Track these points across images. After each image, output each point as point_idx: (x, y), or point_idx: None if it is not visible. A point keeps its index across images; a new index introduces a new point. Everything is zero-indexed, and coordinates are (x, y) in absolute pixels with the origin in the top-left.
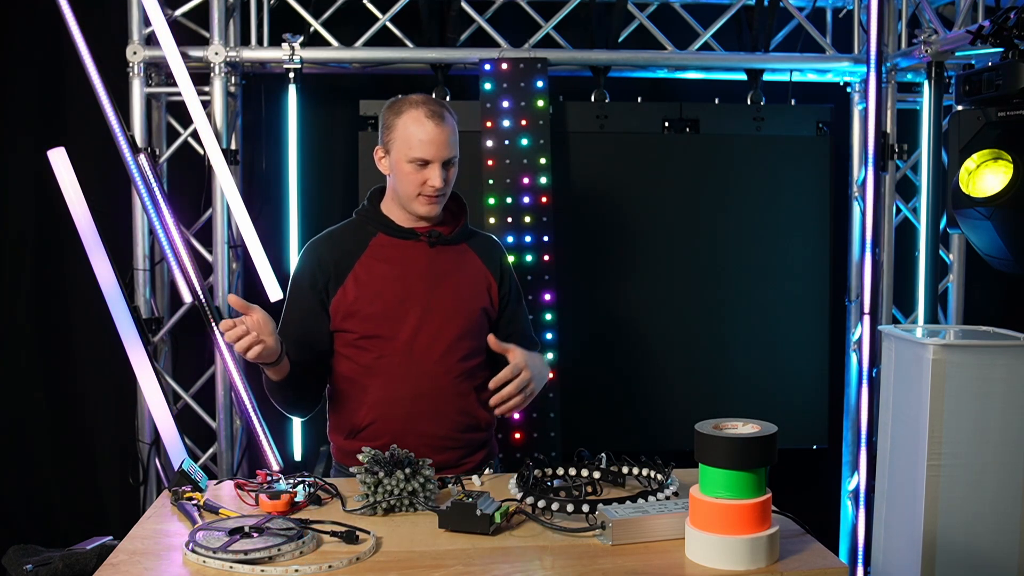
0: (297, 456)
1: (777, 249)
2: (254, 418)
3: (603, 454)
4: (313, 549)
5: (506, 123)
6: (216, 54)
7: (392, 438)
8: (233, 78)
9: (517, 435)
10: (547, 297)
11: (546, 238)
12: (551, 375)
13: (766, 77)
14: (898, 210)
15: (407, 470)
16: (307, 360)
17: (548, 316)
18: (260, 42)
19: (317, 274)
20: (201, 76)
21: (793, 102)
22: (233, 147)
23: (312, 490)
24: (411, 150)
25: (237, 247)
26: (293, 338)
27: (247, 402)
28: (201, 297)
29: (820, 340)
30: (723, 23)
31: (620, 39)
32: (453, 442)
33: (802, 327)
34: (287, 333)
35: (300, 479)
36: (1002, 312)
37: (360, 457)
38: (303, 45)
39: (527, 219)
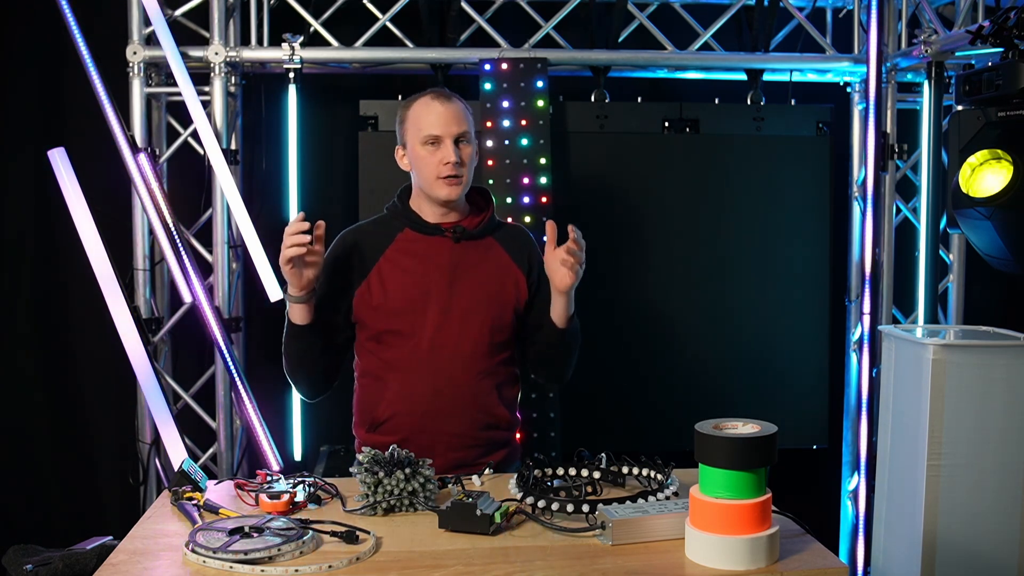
0: (297, 456)
1: (777, 249)
2: (254, 418)
3: (603, 454)
4: (313, 549)
5: (506, 123)
6: (216, 54)
7: (410, 434)
8: (233, 78)
9: (517, 435)
10: None
11: (546, 238)
12: None
13: (766, 77)
14: (898, 210)
15: (407, 470)
16: (325, 348)
17: None
18: (260, 42)
19: (343, 262)
20: (201, 76)
21: (793, 102)
22: (233, 147)
23: (312, 490)
24: (421, 130)
25: (237, 247)
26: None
27: (247, 402)
28: (202, 298)
29: (820, 340)
30: (723, 23)
31: (620, 39)
32: (471, 440)
33: (802, 327)
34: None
35: (300, 479)
36: (1002, 312)
37: (360, 457)
38: (303, 45)
39: (527, 219)
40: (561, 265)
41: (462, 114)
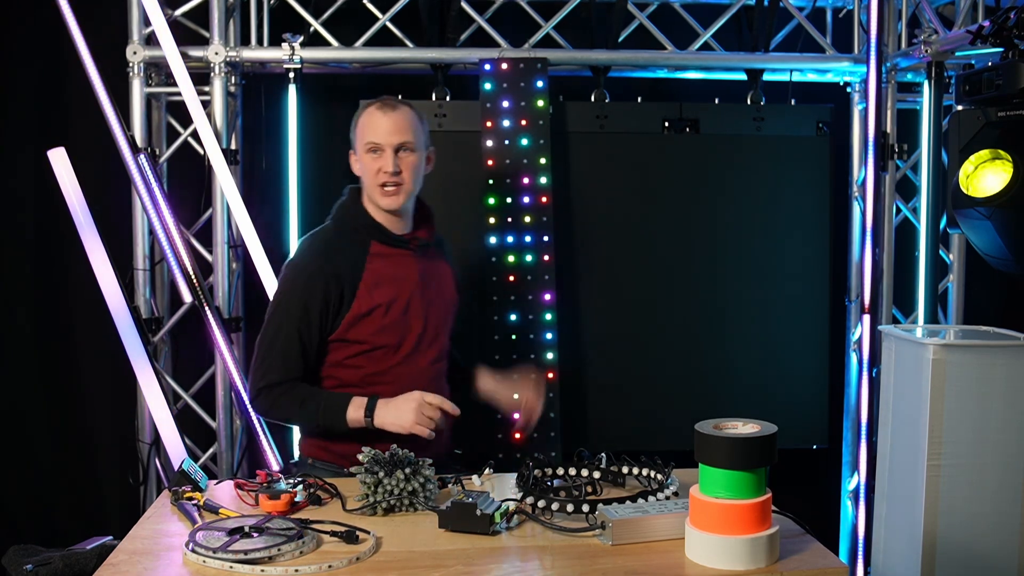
0: (297, 456)
1: (777, 249)
2: (254, 418)
3: (603, 454)
4: (313, 549)
5: (506, 123)
6: (216, 54)
7: (395, 439)
8: (233, 78)
9: (517, 435)
10: (547, 297)
11: (546, 238)
12: (550, 375)
13: (766, 77)
14: (898, 210)
15: (407, 470)
16: (308, 372)
17: (548, 316)
18: (260, 42)
19: (331, 292)
20: (201, 76)
21: (793, 102)
22: (233, 147)
23: (312, 490)
24: (364, 137)
25: (237, 247)
26: (297, 351)
27: (247, 402)
28: (202, 296)
29: (820, 340)
30: (723, 23)
31: (620, 39)
32: (441, 439)
33: (802, 327)
34: (293, 346)
35: (300, 479)
36: (1002, 312)
37: (360, 457)
38: (303, 45)
39: (527, 219)
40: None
41: (406, 124)
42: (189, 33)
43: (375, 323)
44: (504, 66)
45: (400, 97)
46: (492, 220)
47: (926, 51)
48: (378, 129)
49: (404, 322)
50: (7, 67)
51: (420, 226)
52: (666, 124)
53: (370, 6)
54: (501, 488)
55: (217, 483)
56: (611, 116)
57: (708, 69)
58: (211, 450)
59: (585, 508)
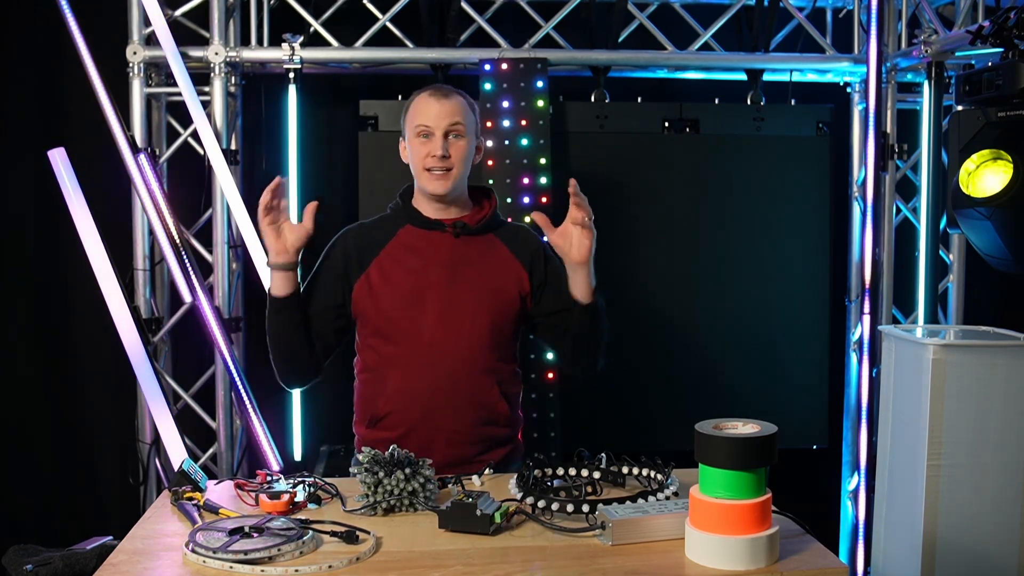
0: (297, 456)
1: (777, 249)
2: (254, 418)
3: (603, 454)
4: (313, 549)
5: (506, 123)
6: (216, 54)
7: (408, 429)
8: (233, 78)
9: (520, 435)
10: None
11: (546, 238)
12: (550, 375)
13: (766, 77)
14: (898, 210)
15: (407, 470)
16: (307, 329)
17: None
18: (260, 42)
19: (340, 260)
20: (201, 76)
21: (793, 102)
22: (233, 147)
23: (312, 490)
24: (414, 120)
25: (237, 247)
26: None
27: (247, 402)
28: (202, 298)
29: (820, 340)
30: (723, 23)
31: (620, 39)
32: (470, 436)
33: (802, 327)
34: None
35: (300, 479)
36: (1002, 312)
37: (360, 457)
38: (303, 45)
39: (527, 219)
40: (572, 230)
41: (458, 109)
42: (189, 33)
43: (382, 303)
44: (504, 66)
45: (400, 98)
46: None
47: (926, 51)
48: (429, 113)
49: (416, 306)
50: (7, 67)
51: (470, 212)
52: (666, 124)
53: (370, 6)
54: (501, 488)
55: (217, 483)
56: (611, 116)
57: (708, 69)
58: (211, 450)
59: (585, 508)
